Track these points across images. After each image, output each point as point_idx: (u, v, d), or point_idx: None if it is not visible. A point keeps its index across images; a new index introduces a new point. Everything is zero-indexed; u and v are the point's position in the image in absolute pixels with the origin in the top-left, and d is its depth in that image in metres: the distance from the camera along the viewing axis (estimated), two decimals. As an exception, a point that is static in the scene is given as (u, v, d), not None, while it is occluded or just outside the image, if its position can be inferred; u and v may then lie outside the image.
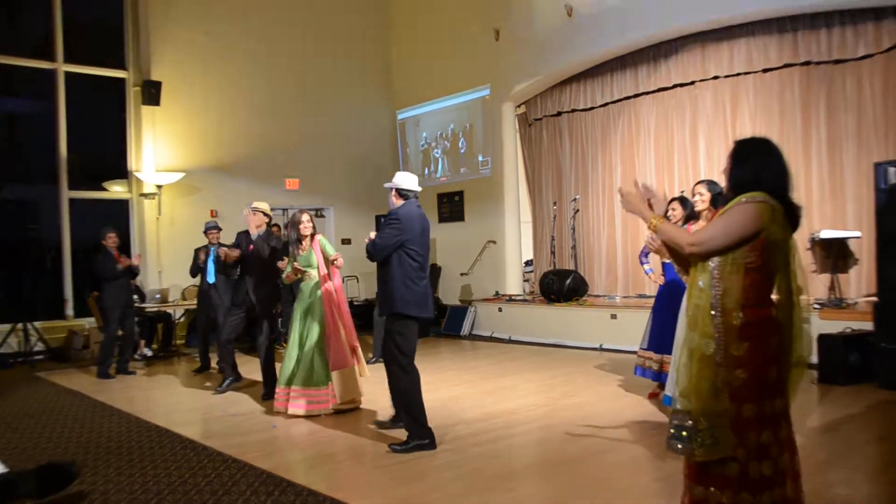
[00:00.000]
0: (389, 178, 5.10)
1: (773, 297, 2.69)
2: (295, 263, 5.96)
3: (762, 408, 2.60)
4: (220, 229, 8.43)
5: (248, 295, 6.66)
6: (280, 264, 6.33)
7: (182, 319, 10.66)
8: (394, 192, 4.93)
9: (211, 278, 8.21)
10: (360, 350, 5.98)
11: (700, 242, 2.69)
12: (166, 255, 10.91)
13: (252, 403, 6.53)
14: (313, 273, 5.95)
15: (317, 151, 12.70)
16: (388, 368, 4.86)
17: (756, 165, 2.67)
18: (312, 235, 6.01)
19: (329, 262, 5.91)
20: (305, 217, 5.97)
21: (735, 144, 2.75)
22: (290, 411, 5.85)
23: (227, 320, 6.88)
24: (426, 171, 13.31)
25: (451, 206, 12.74)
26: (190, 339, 10.56)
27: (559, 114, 11.53)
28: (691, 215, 5.55)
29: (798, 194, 2.78)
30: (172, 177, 10.87)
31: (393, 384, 4.87)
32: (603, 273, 10.87)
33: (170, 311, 10.13)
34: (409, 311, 4.70)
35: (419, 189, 5.02)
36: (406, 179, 4.93)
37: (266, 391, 6.63)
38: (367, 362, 8.10)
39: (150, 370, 8.78)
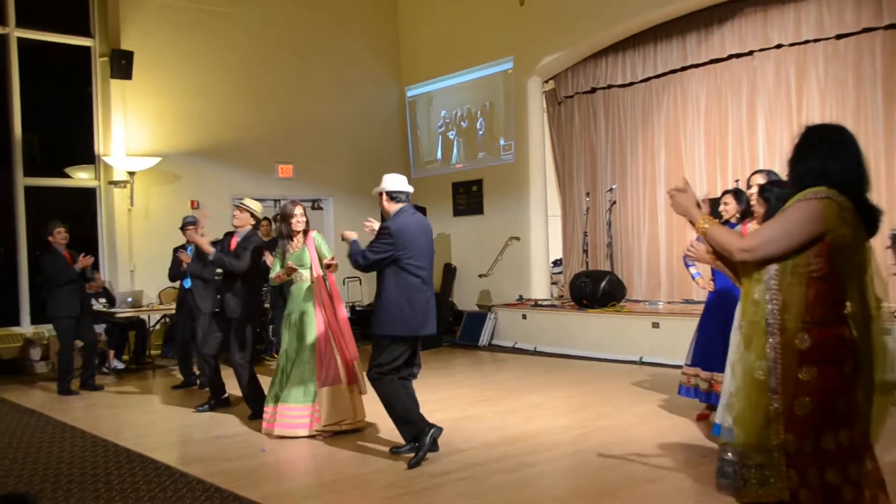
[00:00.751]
0: (397, 165, 5.20)
1: (846, 310, 2.64)
2: (289, 262, 5.99)
3: (824, 441, 2.56)
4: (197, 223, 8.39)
5: (230, 303, 6.69)
6: (267, 260, 6.31)
7: (158, 327, 10.69)
8: (384, 197, 5.12)
9: (188, 282, 8.23)
10: (359, 365, 6.01)
11: (753, 248, 2.64)
12: (140, 253, 10.93)
13: (238, 424, 6.53)
14: (305, 274, 5.99)
15: (313, 134, 12.72)
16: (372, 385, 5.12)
17: (823, 156, 2.62)
18: (306, 231, 6.04)
19: (323, 264, 5.94)
20: (298, 210, 6.01)
21: (805, 131, 2.72)
22: (277, 432, 5.88)
23: (210, 333, 6.89)
24: (439, 157, 13.31)
25: (469, 198, 12.76)
26: (167, 349, 10.59)
27: (593, 90, 11.52)
28: (748, 211, 5.52)
29: (878, 184, 2.73)
30: (146, 162, 10.87)
31: (381, 399, 5.13)
32: (643, 275, 10.86)
33: (143, 316, 10.15)
34: (398, 332, 4.98)
35: (411, 189, 5.23)
36: (395, 181, 5.14)
37: (253, 410, 6.67)
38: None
39: (120, 385, 8.81)
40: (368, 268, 5.06)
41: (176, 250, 8.36)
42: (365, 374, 5.23)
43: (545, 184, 11.94)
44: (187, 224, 8.24)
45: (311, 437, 5.85)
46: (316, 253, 6.00)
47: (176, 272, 8.32)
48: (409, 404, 5.10)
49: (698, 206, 2.90)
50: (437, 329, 5.25)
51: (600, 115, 11.46)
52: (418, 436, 5.08)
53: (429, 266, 5.13)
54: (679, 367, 7.94)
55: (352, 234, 5.31)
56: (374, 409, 6.38)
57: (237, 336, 6.66)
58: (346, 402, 5.88)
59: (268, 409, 6.02)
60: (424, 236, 5.13)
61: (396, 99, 13.85)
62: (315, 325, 5.88)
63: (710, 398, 5.87)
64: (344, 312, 6.07)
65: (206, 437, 6.12)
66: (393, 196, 5.13)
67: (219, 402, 7.13)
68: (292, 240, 6.05)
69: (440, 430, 5.15)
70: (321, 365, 5.81)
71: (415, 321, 5.02)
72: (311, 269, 5.97)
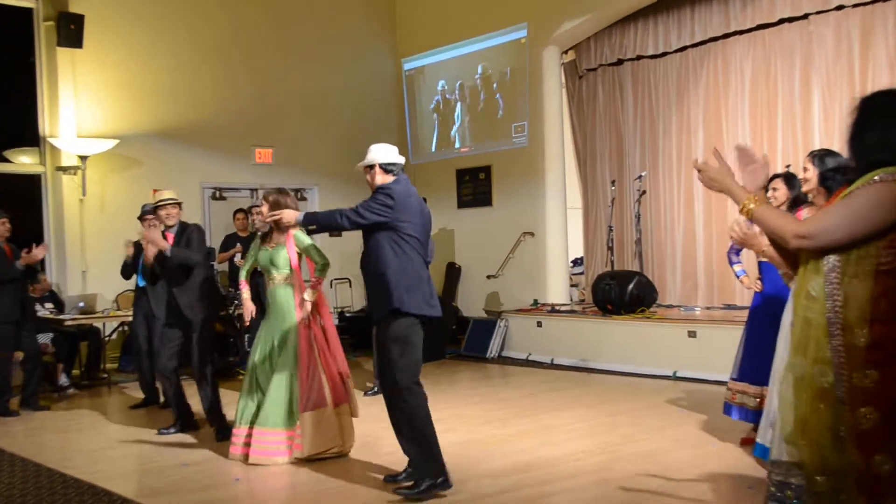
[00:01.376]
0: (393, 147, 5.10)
1: None
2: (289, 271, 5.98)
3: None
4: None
5: (187, 305, 6.75)
6: (237, 261, 6.22)
7: (115, 336, 10.65)
8: (377, 169, 5.05)
9: (141, 280, 8.19)
10: (350, 382, 6.01)
11: (811, 234, 2.62)
12: (93, 251, 10.88)
13: (208, 450, 6.50)
14: (278, 277, 5.98)
15: (296, 113, 12.72)
16: (388, 395, 5.00)
17: (884, 126, 2.60)
18: (287, 228, 5.98)
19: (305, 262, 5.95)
20: (265, 208, 5.91)
21: (860, 103, 2.70)
22: (253, 460, 5.85)
23: (165, 342, 6.88)
24: (440, 139, 13.32)
25: (475, 187, 12.77)
26: (125, 362, 10.56)
27: (620, 62, 11.54)
28: (800, 198, 5.53)
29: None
30: (101, 145, 10.81)
31: (396, 416, 4.99)
32: (678, 276, 10.87)
33: (98, 324, 10.11)
34: (413, 309, 4.82)
35: (402, 160, 5.16)
36: (387, 151, 5.09)
37: (219, 431, 6.69)
38: (366, 393, 8.07)
39: (70, 404, 8.76)
40: (354, 225, 4.86)
41: (132, 244, 8.32)
42: (374, 388, 5.12)
43: (564, 171, 11.95)
44: (146, 214, 8.15)
45: (278, 463, 5.82)
46: (297, 255, 5.97)
47: (128, 268, 8.30)
48: (434, 436, 4.95)
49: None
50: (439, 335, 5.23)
51: (628, 91, 11.50)
52: (428, 474, 4.94)
53: (426, 251, 5.06)
54: (720, 382, 7.98)
55: (289, 214, 5.15)
56: (367, 430, 6.37)
57: (199, 343, 6.68)
58: (333, 427, 5.86)
59: (239, 430, 5.99)
60: (422, 213, 5.06)
61: (392, 73, 13.86)
62: (297, 337, 5.86)
63: (760, 418, 5.77)
64: (331, 320, 6.04)
65: (170, 465, 6.09)
66: (388, 168, 5.04)
67: (185, 424, 7.10)
68: (269, 236, 6.03)
69: (450, 485, 5.06)
70: (304, 385, 5.77)
71: (427, 295, 4.89)
72: (290, 271, 5.94)
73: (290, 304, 5.91)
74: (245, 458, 5.88)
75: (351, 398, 5.95)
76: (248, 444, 5.88)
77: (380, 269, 4.88)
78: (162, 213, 6.93)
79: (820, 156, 5.35)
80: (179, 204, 6.99)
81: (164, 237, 6.85)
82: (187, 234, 6.84)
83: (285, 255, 5.95)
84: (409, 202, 4.95)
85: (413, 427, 4.92)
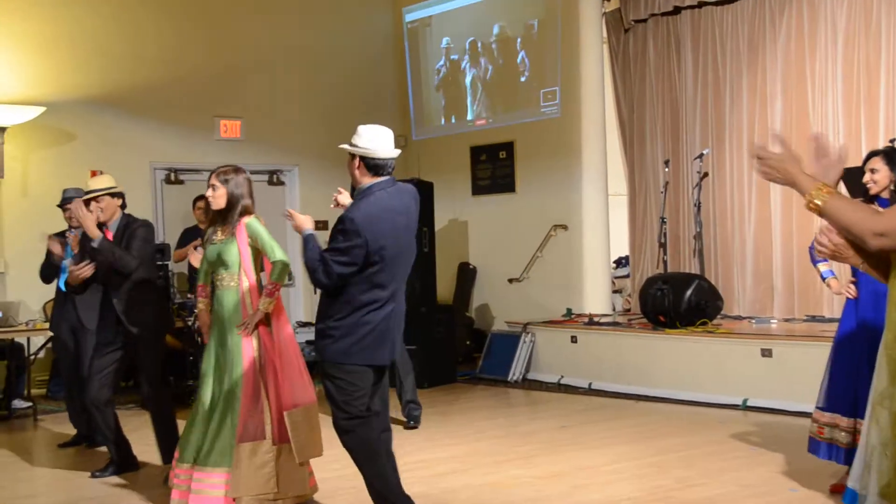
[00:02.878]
0: (391, 121, 5.08)
1: None
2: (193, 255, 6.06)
3: None
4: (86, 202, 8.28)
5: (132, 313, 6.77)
6: (191, 257, 6.17)
7: (42, 354, 10.64)
8: (357, 162, 5.05)
9: (61, 282, 8.18)
10: (309, 414, 5.89)
11: (890, 231, 2.66)
12: (14, 246, 10.90)
13: (150, 496, 6.50)
14: (227, 278, 5.90)
15: (271, 76, 12.76)
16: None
17: None
18: (241, 213, 5.91)
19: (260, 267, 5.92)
20: (210, 191, 5.90)
21: None
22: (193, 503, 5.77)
23: (95, 366, 6.84)
24: (450, 110, 13.33)
25: (494, 169, 12.84)
26: (55, 386, 10.59)
27: (677, 10, 11.56)
28: None
29: None
30: (23, 113, 10.80)
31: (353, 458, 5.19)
32: (748, 280, 10.86)
33: (20, 340, 10.08)
34: (352, 360, 5.02)
35: (396, 154, 5.12)
36: (379, 141, 5.05)
37: (164, 457, 6.82)
38: (410, 419, 8.49)
39: (-17, 439, 8.78)
40: (333, 286, 4.98)
41: (51, 239, 8.27)
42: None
43: (605, 148, 11.96)
44: (69, 200, 8.02)
45: None
46: (249, 248, 5.89)
47: (49, 269, 8.32)
48: (388, 473, 5.11)
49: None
50: (396, 356, 5.45)
51: (686, 48, 11.49)
52: None
53: (402, 272, 5.13)
54: (802, 413, 7.87)
55: (306, 223, 5.18)
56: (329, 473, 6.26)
57: (147, 359, 6.71)
58: (268, 467, 5.75)
59: (180, 470, 5.90)
60: (392, 224, 5.00)
61: (390, 26, 13.94)
62: (242, 352, 5.79)
63: (852, 457, 5.67)
64: (289, 331, 5.94)
65: None
66: (372, 165, 5.02)
67: (123, 464, 7.10)
68: (219, 228, 5.99)
69: None
70: (244, 412, 5.73)
71: (375, 339, 5.04)
72: (239, 271, 5.89)
73: (238, 314, 5.85)
74: None
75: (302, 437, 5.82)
76: (188, 486, 5.80)
77: (322, 304, 5.16)
78: (93, 206, 6.82)
79: (890, 154, 5.55)
80: (119, 195, 6.92)
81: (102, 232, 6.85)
82: (130, 231, 6.83)
83: (235, 250, 5.85)
84: (375, 219, 4.91)
85: (365, 471, 5.13)
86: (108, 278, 6.83)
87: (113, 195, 6.89)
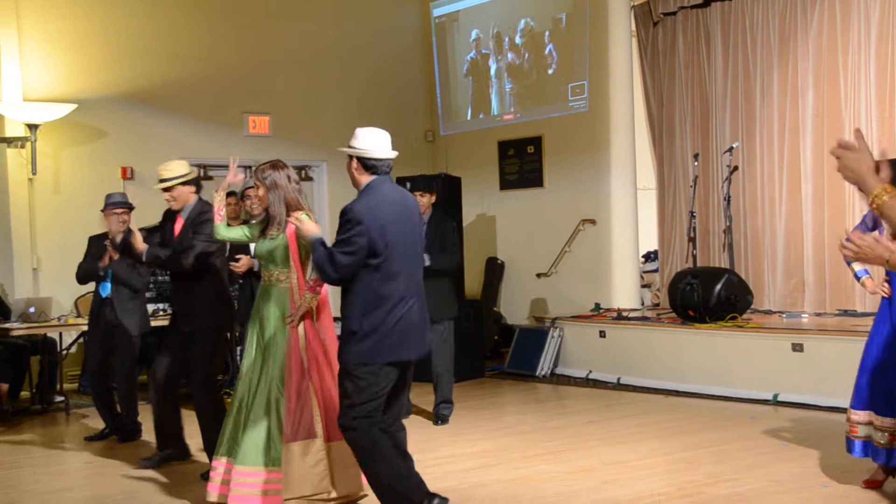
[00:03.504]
0: (418, 116, 5.19)
1: None
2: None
3: None
4: (130, 207, 8.26)
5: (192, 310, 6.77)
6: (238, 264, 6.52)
7: (74, 349, 10.73)
8: (354, 163, 5.22)
9: (105, 289, 8.21)
10: None
11: None
12: (47, 243, 10.94)
13: (187, 490, 6.47)
14: (276, 274, 5.94)
15: (299, 73, 12.76)
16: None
17: None
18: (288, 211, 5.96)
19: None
20: (253, 191, 6.05)
21: None
22: (232, 502, 5.75)
23: (164, 353, 6.90)
24: (477, 104, 13.32)
25: (522, 163, 12.85)
26: (86, 381, 10.55)
27: (706, 3, 11.53)
28: None
29: None
30: (55, 111, 10.83)
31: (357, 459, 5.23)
32: (779, 274, 10.82)
33: (53, 335, 10.14)
34: (377, 359, 5.06)
35: (393, 155, 5.28)
36: (374, 142, 5.21)
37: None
38: (438, 417, 8.44)
39: (16, 433, 8.81)
40: (342, 281, 5.07)
41: (94, 240, 8.32)
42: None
43: (633, 143, 11.94)
44: (111, 206, 8.08)
45: None
46: (297, 246, 5.92)
47: (89, 271, 8.29)
48: (398, 469, 5.09)
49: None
50: (426, 351, 5.31)
51: (716, 41, 11.45)
52: None
53: (413, 264, 5.20)
54: (833, 408, 7.77)
55: (313, 229, 5.26)
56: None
57: (203, 358, 6.68)
58: (321, 466, 5.77)
59: (218, 463, 5.92)
60: (397, 217, 5.14)
61: (418, 21, 13.94)
62: (286, 348, 5.80)
63: (892, 456, 5.73)
64: (333, 332, 5.95)
65: None
66: (369, 165, 5.17)
67: (176, 451, 7.17)
68: (270, 225, 6.02)
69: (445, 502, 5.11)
70: (291, 410, 5.72)
71: (388, 335, 5.06)
72: (288, 267, 5.92)
73: (285, 309, 5.88)
74: (225, 500, 5.80)
75: None
76: (227, 482, 5.80)
77: (342, 301, 5.16)
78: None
79: None
80: (193, 181, 6.85)
81: (173, 226, 6.85)
82: (201, 220, 6.72)
83: (284, 246, 5.89)
84: (377, 212, 5.02)
85: (366, 471, 5.17)
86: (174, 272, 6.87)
87: (185, 182, 6.81)
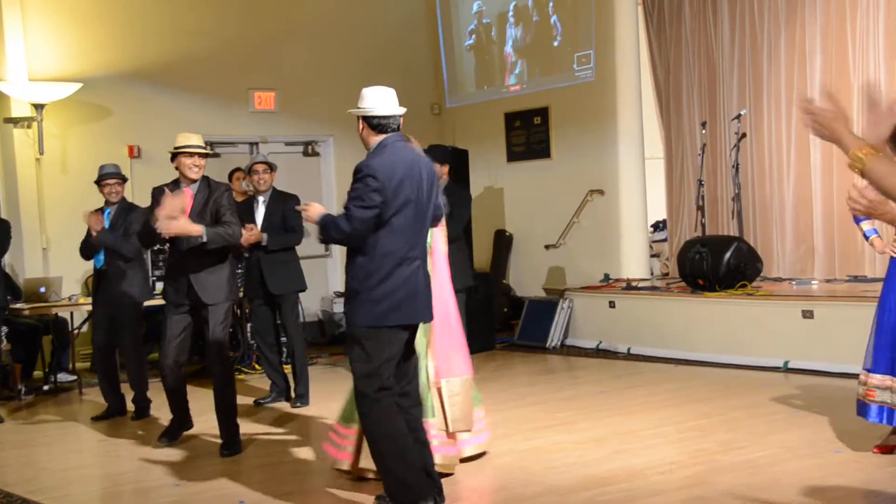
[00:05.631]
0: (424, 89, 5.20)
1: None
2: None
3: None
4: (124, 179, 8.41)
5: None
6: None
7: (85, 328, 10.72)
8: (361, 124, 5.24)
9: (100, 261, 8.25)
10: (469, 384, 6.17)
11: None
12: (55, 223, 10.98)
13: (203, 466, 6.57)
14: None
15: (305, 48, 12.77)
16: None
17: None
18: None
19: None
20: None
21: None
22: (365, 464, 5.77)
23: (169, 333, 6.87)
24: (483, 76, 13.35)
25: (529, 135, 12.84)
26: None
27: None
28: None
29: None
30: (61, 90, 10.85)
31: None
32: (788, 241, 10.82)
33: (64, 314, 10.20)
34: (378, 322, 5.03)
35: (401, 112, 5.25)
36: (379, 100, 5.23)
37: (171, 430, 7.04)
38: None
39: (29, 413, 8.85)
40: (354, 237, 5.03)
41: (90, 215, 8.27)
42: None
43: (640, 112, 11.90)
44: (105, 177, 8.24)
45: None
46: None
47: (89, 245, 8.33)
48: (405, 455, 5.05)
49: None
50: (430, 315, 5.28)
51: (723, 6, 11.37)
52: (398, 499, 5.06)
53: (421, 226, 5.18)
54: (844, 374, 7.84)
55: (319, 210, 5.29)
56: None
57: (223, 329, 6.84)
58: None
59: (342, 429, 5.97)
60: (412, 176, 5.11)
61: None
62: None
63: None
64: (452, 300, 6.17)
65: (157, 486, 6.16)
66: (374, 123, 5.17)
67: (178, 426, 7.23)
68: None
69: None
70: (440, 347, 5.96)
71: (402, 299, 5.05)
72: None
73: None
74: (352, 467, 5.86)
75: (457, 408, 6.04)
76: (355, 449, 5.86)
77: (347, 265, 5.19)
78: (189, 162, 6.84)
79: None
80: (201, 152, 6.92)
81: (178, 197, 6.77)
82: (224, 201, 6.87)
83: None
84: (393, 170, 5.02)
85: (371, 444, 5.14)
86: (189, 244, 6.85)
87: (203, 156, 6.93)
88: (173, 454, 6.90)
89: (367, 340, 5.01)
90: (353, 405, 5.72)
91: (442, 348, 6.00)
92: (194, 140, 6.91)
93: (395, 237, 5.01)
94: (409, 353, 5.24)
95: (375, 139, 5.18)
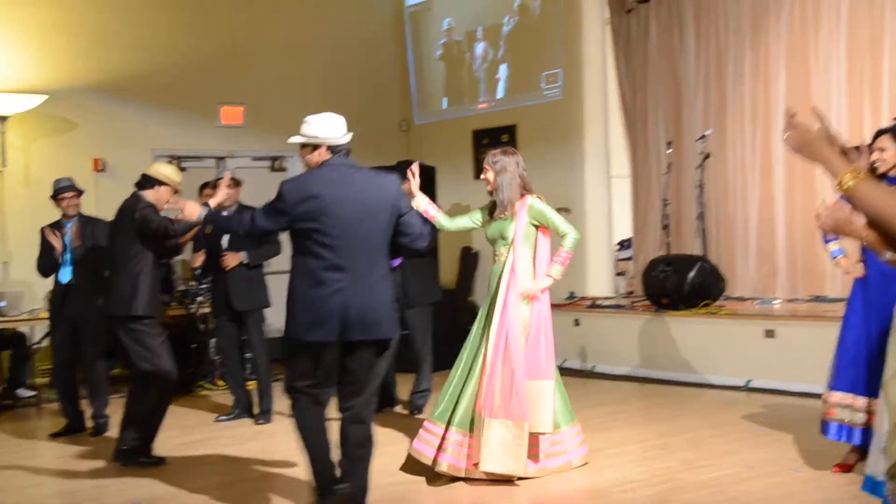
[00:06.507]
0: (392, 105, 5.26)
1: None
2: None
3: None
4: (80, 192, 8.35)
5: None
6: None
7: (45, 343, 10.59)
8: (305, 149, 5.32)
9: (65, 275, 8.16)
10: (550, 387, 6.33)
11: None
12: (17, 236, 10.88)
13: (161, 482, 6.51)
14: (504, 253, 6.38)
15: (273, 63, 12.74)
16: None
17: None
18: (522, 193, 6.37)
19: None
20: (483, 175, 6.41)
21: None
22: (487, 467, 5.97)
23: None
24: (452, 93, 13.36)
25: None
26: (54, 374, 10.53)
27: None
28: None
29: None
30: (25, 102, 10.79)
31: None
32: (751, 260, 10.85)
33: (24, 329, 10.12)
34: (291, 334, 5.25)
35: (345, 139, 5.25)
36: (322, 126, 5.24)
37: (134, 444, 6.95)
38: (414, 408, 8.56)
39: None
40: (250, 233, 5.50)
41: (44, 230, 8.29)
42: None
43: (606, 131, 12.01)
44: (61, 191, 8.18)
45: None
46: (524, 226, 6.31)
47: (48, 260, 8.27)
48: (311, 449, 5.31)
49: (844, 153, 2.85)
50: (363, 335, 5.20)
51: (689, 28, 11.43)
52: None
53: (353, 246, 5.13)
54: (806, 394, 7.89)
55: (196, 209, 5.65)
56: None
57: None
58: (518, 447, 6.06)
59: (437, 427, 6.26)
60: (342, 197, 5.12)
61: (391, 8, 13.95)
62: (504, 322, 6.22)
63: (867, 438, 5.76)
64: (547, 305, 6.45)
65: (117, 503, 6.17)
66: (316, 147, 5.25)
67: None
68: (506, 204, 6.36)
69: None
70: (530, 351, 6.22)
71: (315, 317, 5.14)
72: (510, 247, 6.32)
73: (501, 283, 6.32)
74: (458, 471, 6.11)
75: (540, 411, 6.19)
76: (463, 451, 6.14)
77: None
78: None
79: None
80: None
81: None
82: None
83: (513, 227, 6.31)
84: (311, 189, 5.13)
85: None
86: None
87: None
88: (131, 472, 6.83)
89: (286, 349, 5.34)
90: (448, 403, 6.24)
91: (531, 351, 6.25)
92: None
93: (314, 257, 5.12)
94: (359, 372, 5.21)
95: (316, 159, 5.24)
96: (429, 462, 6.15)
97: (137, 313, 6.84)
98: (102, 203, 9.81)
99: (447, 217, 6.69)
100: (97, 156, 11.37)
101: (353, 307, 5.07)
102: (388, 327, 5.20)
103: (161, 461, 7.00)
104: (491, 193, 6.36)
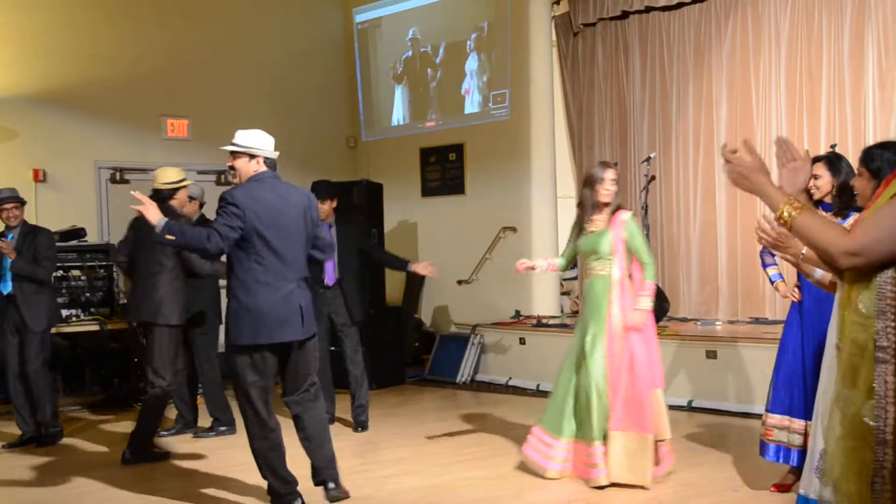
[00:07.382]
0: (341, 122, 5.49)
1: None
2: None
3: None
4: (22, 202, 8.25)
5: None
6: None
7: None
8: (245, 157, 5.65)
9: (7, 287, 8.09)
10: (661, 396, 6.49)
11: (862, 250, 2.72)
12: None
13: (128, 490, 6.50)
14: (598, 268, 6.47)
15: (219, 74, 12.71)
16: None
17: None
18: (616, 208, 6.49)
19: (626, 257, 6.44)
20: (610, 174, 6.48)
21: None
22: (616, 478, 6.22)
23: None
24: (399, 110, 13.33)
25: (444, 171, 12.89)
26: (5, 388, 10.34)
27: (625, 15, 11.59)
28: (846, 188, 5.54)
29: None
30: (-36, 111, 10.71)
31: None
32: (694, 282, 10.94)
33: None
34: (242, 341, 5.50)
35: (274, 154, 5.71)
36: (258, 139, 5.68)
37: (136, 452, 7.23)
38: (358, 424, 8.50)
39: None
40: (213, 248, 5.43)
41: None
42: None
43: (554, 151, 12.05)
44: (4, 200, 8.10)
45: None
46: (623, 244, 6.40)
47: None
48: (274, 463, 5.64)
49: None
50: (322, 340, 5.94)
51: (634, 52, 11.53)
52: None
53: (295, 252, 5.59)
54: (746, 414, 7.94)
55: (155, 213, 5.56)
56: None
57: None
58: (644, 457, 6.24)
59: (559, 441, 6.53)
60: (279, 208, 5.54)
61: (340, 26, 13.94)
62: (605, 338, 6.35)
63: (804, 459, 5.67)
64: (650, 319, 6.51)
65: None
66: (253, 156, 5.62)
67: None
68: (593, 213, 6.51)
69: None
70: (613, 397, 6.30)
71: (268, 320, 5.47)
72: (611, 260, 6.41)
73: (602, 298, 6.42)
74: (594, 478, 6.27)
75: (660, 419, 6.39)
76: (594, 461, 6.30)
77: (228, 294, 5.64)
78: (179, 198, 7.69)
79: (832, 160, 5.63)
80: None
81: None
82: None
83: (610, 241, 6.37)
84: (256, 199, 5.45)
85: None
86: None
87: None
88: (78, 484, 6.80)
89: (235, 364, 5.55)
90: (559, 415, 6.49)
91: (640, 363, 6.37)
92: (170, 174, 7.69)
93: (260, 264, 5.45)
94: (304, 363, 5.70)
95: (249, 171, 5.58)
96: (541, 470, 6.49)
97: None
98: (42, 214, 9.73)
99: (560, 258, 7.00)
100: (37, 166, 11.25)
101: (305, 307, 5.58)
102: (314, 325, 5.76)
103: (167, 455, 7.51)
104: (580, 205, 6.62)
